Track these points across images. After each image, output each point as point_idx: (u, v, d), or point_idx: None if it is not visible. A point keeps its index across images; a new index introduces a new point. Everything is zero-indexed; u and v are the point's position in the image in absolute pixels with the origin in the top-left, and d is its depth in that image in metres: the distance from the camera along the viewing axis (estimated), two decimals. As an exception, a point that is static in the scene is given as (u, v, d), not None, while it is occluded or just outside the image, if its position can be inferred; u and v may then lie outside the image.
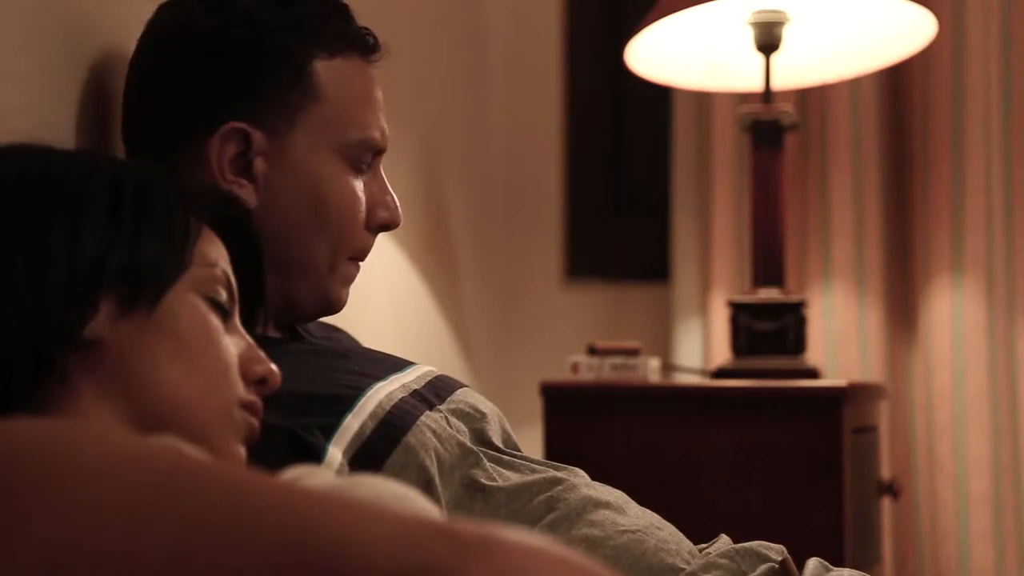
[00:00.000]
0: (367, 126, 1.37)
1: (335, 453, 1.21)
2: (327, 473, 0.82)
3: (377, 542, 0.63)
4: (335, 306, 1.39)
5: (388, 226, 1.41)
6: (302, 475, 0.80)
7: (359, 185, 1.37)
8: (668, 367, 2.52)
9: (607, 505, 1.29)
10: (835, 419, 1.96)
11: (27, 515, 0.68)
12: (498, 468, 1.29)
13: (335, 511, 0.65)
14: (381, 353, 1.40)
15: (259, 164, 1.32)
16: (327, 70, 1.35)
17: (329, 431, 1.22)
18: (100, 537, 0.66)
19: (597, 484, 1.33)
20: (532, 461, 1.32)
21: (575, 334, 2.72)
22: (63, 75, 1.34)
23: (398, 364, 1.36)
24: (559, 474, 1.30)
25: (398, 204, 1.40)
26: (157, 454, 0.71)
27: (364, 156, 1.37)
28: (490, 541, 0.63)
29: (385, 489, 0.76)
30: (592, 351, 2.08)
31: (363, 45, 1.38)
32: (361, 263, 1.41)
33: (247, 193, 1.32)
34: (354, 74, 1.37)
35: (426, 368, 1.38)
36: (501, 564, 0.62)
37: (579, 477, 1.33)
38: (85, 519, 0.67)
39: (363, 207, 1.37)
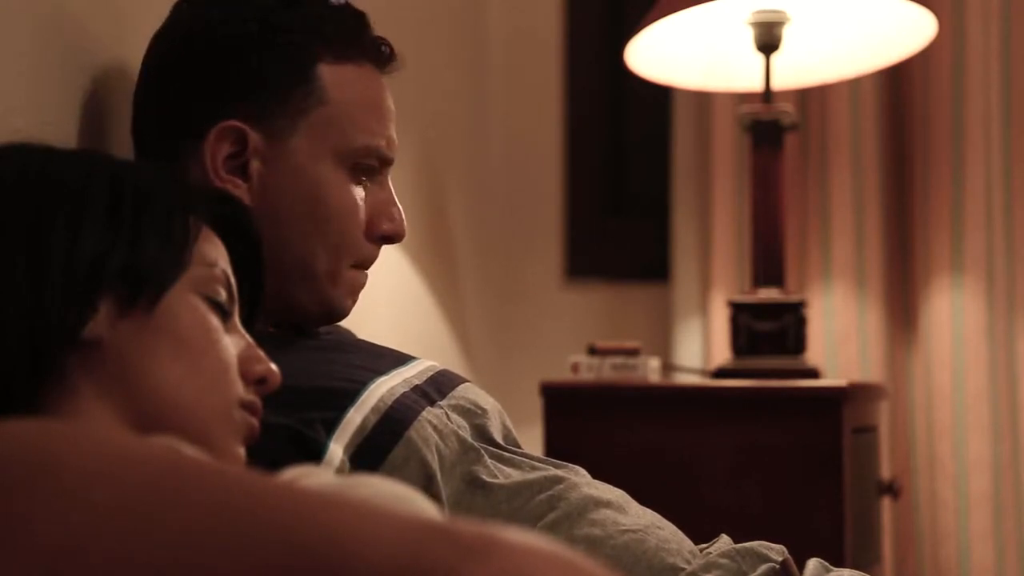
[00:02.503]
0: (371, 133, 1.35)
1: (336, 450, 1.21)
2: (326, 473, 0.82)
3: (376, 542, 0.63)
4: (339, 314, 1.37)
5: (391, 238, 1.38)
6: (301, 475, 0.80)
7: (359, 193, 1.35)
8: (668, 367, 2.52)
9: (608, 504, 1.29)
10: (835, 419, 1.96)
11: (26, 517, 0.67)
12: (499, 465, 1.29)
13: (334, 511, 0.65)
14: (383, 347, 1.40)
15: (255, 165, 1.31)
16: (333, 74, 1.33)
17: (331, 426, 1.22)
18: (99, 539, 0.66)
19: (598, 483, 1.33)
20: (533, 458, 1.32)
21: (575, 334, 2.72)
22: (63, 78, 1.34)
23: (400, 359, 1.35)
24: (560, 472, 1.30)
25: (403, 217, 1.38)
26: (155, 455, 0.71)
27: (367, 164, 1.35)
28: (490, 542, 0.63)
29: (385, 489, 0.76)
30: (592, 351, 2.08)
31: (375, 54, 1.37)
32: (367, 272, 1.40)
33: (241, 193, 1.30)
34: (362, 81, 1.36)
35: (428, 363, 1.37)
36: (501, 565, 0.62)
37: (580, 476, 1.33)
38: (84, 521, 0.67)
39: (362, 216, 1.35)
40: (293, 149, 1.32)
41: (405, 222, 1.39)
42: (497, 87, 2.85)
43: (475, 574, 0.61)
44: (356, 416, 1.23)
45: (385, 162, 1.37)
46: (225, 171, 1.31)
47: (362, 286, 1.39)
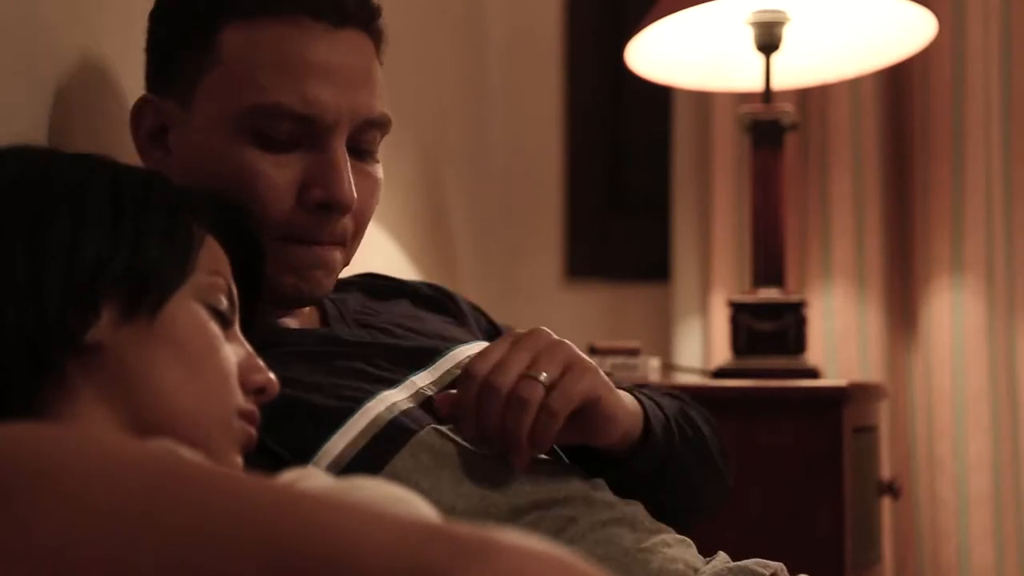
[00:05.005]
0: (271, 90, 1.22)
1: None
2: (324, 476, 0.82)
3: (373, 544, 0.63)
4: (287, 294, 1.25)
5: (328, 205, 1.23)
6: (299, 478, 0.80)
7: (266, 159, 1.22)
8: (668, 367, 2.51)
9: (618, 522, 1.23)
10: (835, 419, 1.96)
11: (24, 520, 0.67)
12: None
13: (331, 513, 0.65)
14: (414, 338, 1.32)
15: (172, 137, 1.26)
16: (239, 33, 1.23)
17: (311, 455, 1.16)
18: (97, 542, 0.66)
19: (608, 496, 1.27)
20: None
21: (575, 334, 2.69)
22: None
23: (422, 359, 1.28)
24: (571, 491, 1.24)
25: (345, 182, 1.23)
26: (154, 457, 0.71)
27: (271, 125, 1.23)
28: (489, 544, 0.62)
29: (382, 492, 0.76)
30: (592, 351, 2.08)
31: (312, 5, 1.24)
32: (334, 245, 1.26)
33: (163, 167, 1.23)
34: (277, 37, 1.23)
35: (468, 353, 1.28)
36: (498, 567, 0.61)
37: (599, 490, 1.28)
38: (82, 524, 0.67)
39: (272, 183, 1.22)
40: (193, 118, 1.24)
41: (347, 187, 1.23)
42: (497, 87, 2.85)
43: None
44: (340, 442, 1.17)
45: (307, 121, 1.23)
46: (149, 145, 1.27)
47: (315, 263, 1.26)
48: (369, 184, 1.29)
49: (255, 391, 1.00)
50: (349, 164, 1.25)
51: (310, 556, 0.63)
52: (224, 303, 1.00)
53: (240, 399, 0.98)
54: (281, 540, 0.64)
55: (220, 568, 0.64)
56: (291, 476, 0.80)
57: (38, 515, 0.67)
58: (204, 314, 0.98)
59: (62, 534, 0.66)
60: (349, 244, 1.29)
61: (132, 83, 1.35)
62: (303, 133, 1.23)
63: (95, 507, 0.67)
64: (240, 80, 1.23)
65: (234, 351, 1.00)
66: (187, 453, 0.78)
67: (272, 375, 1.01)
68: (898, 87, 2.66)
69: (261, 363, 1.01)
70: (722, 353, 2.47)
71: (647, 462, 1.31)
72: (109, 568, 0.65)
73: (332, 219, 1.25)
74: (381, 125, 1.29)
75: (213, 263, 1.00)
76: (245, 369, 1.00)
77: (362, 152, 1.28)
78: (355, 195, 1.24)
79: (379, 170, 1.31)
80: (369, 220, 1.31)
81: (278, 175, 1.23)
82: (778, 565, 1.26)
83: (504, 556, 0.62)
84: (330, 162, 1.23)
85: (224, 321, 0.99)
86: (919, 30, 2.24)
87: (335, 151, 1.24)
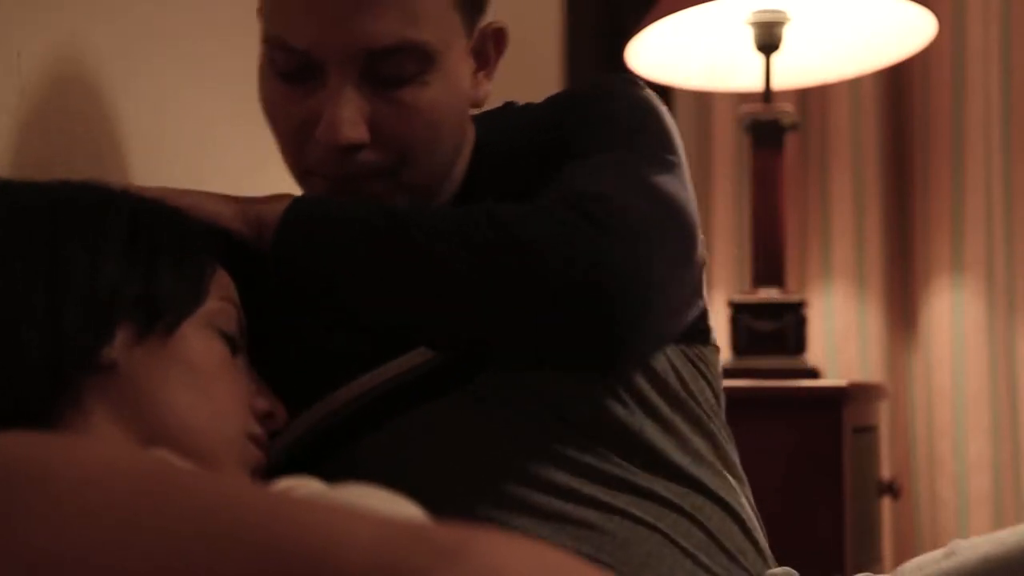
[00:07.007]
0: (272, 23, 1.18)
1: None
2: (316, 484, 0.83)
3: (355, 543, 0.63)
4: None
5: (327, 145, 1.16)
6: (292, 487, 0.81)
7: (282, 91, 1.18)
8: (668, 367, 2.51)
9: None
10: (835, 419, 1.96)
11: (15, 525, 0.68)
12: None
13: (317, 515, 0.66)
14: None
15: None
16: None
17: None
18: (87, 547, 0.67)
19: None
20: None
21: (575, 334, 2.71)
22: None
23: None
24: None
25: (335, 121, 1.15)
26: (144, 463, 0.72)
27: (279, 58, 1.17)
28: (468, 542, 0.62)
29: (373, 496, 0.76)
30: (592, 351, 2.08)
31: None
32: (362, 179, 1.18)
33: None
34: None
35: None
36: (478, 564, 0.61)
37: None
38: (76, 529, 0.67)
39: (286, 117, 1.18)
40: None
41: (337, 127, 1.15)
42: (497, 87, 2.84)
43: (450, 573, 0.61)
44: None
45: (303, 56, 1.16)
46: None
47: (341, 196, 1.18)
48: (398, 111, 1.18)
49: (263, 416, 1.03)
50: (353, 99, 1.16)
51: (295, 558, 0.63)
52: (234, 329, 1.03)
53: (250, 423, 1.01)
54: (267, 543, 0.64)
55: (201, 568, 0.64)
56: (283, 485, 0.81)
57: (33, 521, 0.67)
58: (216, 339, 1.01)
59: (57, 539, 0.67)
60: (399, 172, 1.20)
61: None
62: (309, 67, 1.17)
63: (89, 512, 0.67)
64: (267, 13, 1.19)
65: (242, 377, 1.02)
66: (179, 462, 0.79)
67: (279, 402, 1.03)
68: (898, 87, 2.67)
69: (267, 389, 1.05)
70: (722, 353, 2.47)
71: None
72: (103, 572, 0.66)
73: (341, 155, 1.17)
74: (400, 52, 1.17)
75: (224, 291, 1.03)
76: (253, 394, 1.03)
77: (387, 80, 1.18)
78: (348, 132, 1.16)
79: (421, 93, 1.19)
80: (417, 146, 1.20)
81: (293, 110, 1.18)
82: (784, 570, 1.24)
83: (483, 553, 0.62)
84: (329, 99, 1.16)
85: (234, 347, 1.03)
86: (919, 30, 2.24)
87: (329, 88, 1.16)
